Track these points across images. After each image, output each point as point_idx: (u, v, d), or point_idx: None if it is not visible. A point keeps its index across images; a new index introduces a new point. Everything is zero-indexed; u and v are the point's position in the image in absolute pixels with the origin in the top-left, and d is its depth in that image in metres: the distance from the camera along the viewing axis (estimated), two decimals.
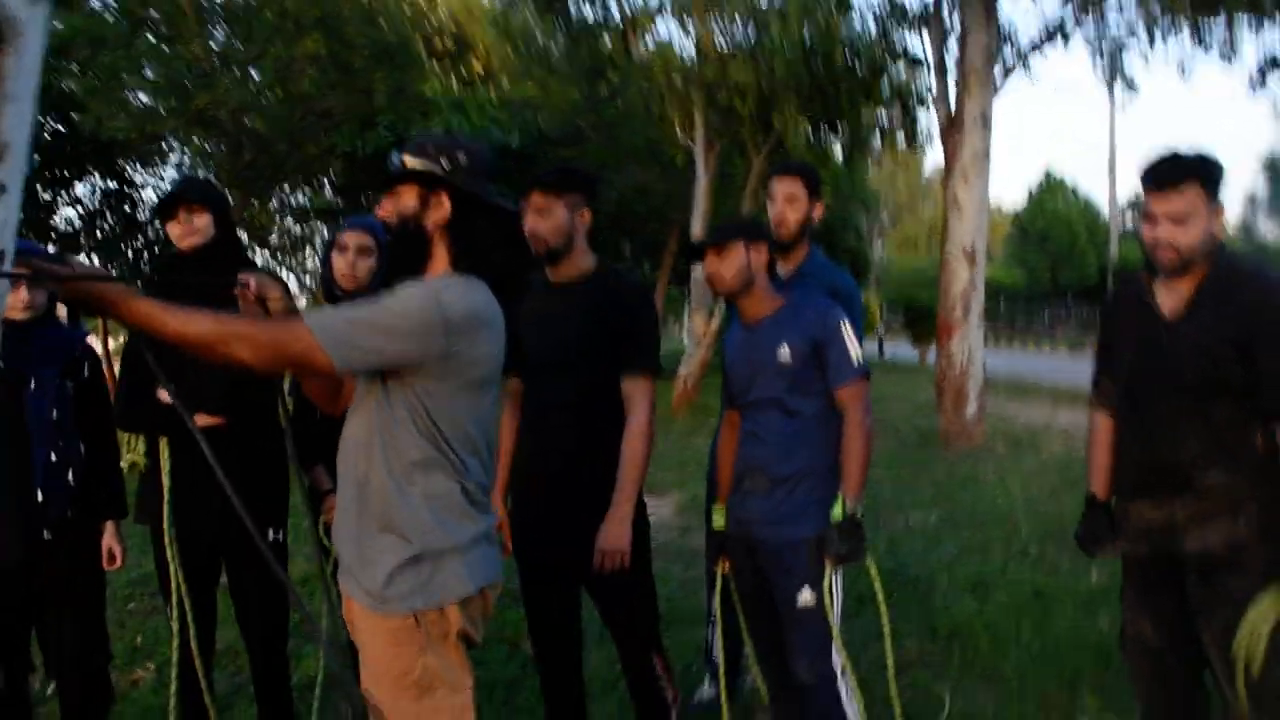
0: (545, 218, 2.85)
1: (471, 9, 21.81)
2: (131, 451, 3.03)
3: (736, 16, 12.46)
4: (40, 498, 2.90)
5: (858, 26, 12.13)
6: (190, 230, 3.00)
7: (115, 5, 13.13)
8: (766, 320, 2.84)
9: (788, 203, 3.34)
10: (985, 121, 9.66)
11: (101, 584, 3.16)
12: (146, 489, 3.10)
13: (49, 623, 3.05)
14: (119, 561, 3.13)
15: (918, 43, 12.39)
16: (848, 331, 2.76)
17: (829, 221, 30.48)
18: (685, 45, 13.71)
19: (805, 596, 2.69)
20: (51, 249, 18.96)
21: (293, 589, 1.76)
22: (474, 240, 2.12)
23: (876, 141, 14.77)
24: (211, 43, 13.11)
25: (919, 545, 6.01)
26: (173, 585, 3.04)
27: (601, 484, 2.81)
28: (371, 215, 3.41)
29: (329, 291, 3.46)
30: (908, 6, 11.97)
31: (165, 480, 2.97)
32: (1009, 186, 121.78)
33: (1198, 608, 2.51)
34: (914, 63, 11.71)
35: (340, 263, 3.31)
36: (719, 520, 2.99)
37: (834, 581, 2.70)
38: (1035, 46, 10.89)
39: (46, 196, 18.09)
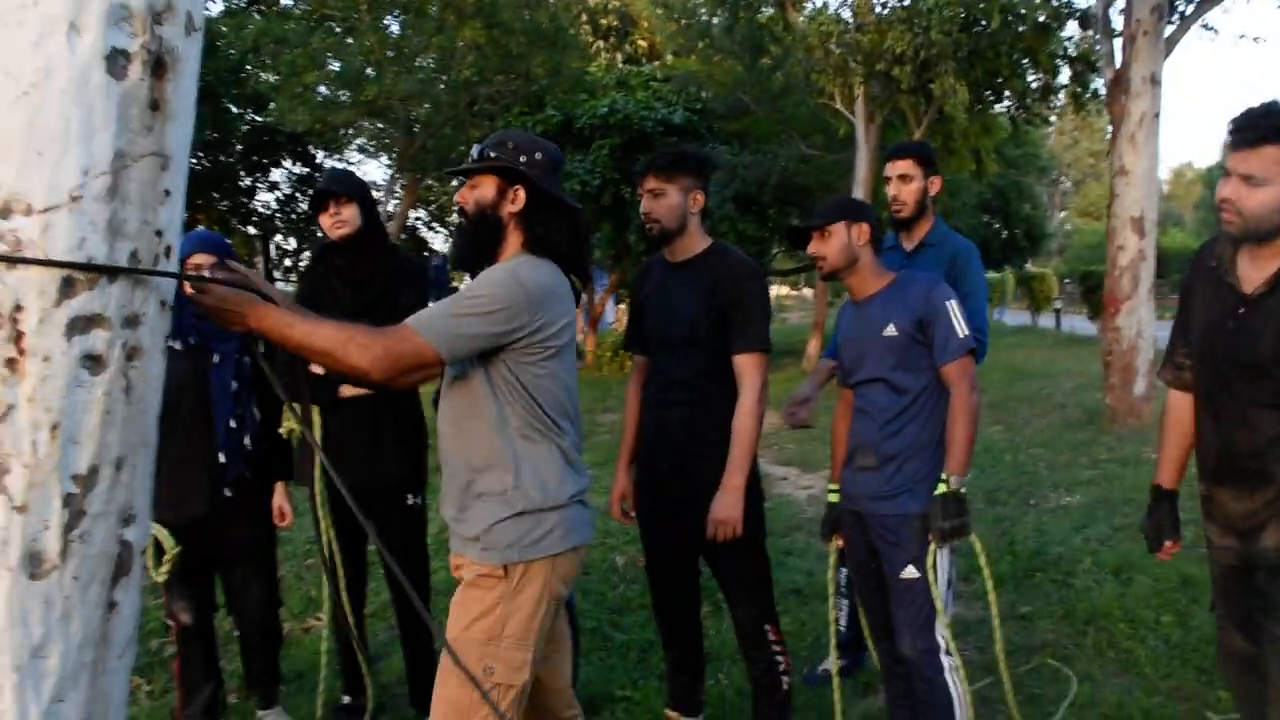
0: (659, 200, 2.99)
1: None
2: (289, 419, 3.35)
3: None
4: (222, 459, 3.25)
5: None
6: (339, 221, 3.28)
7: (302, 4, 14.07)
8: (875, 298, 2.88)
9: (902, 182, 3.45)
10: (1154, 82, 9.08)
11: (273, 538, 3.50)
12: (302, 454, 3.42)
13: (230, 570, 3.41)
14: (288, 519, 3.45)
15: (1082, 0, 11.52)
16: (954, 308, 2.77)
17: (1002, 189, 29.36)
18: (843, 14, 13.47)
19: (910, 571, 2.74)
20: (252, 231, 20.56)
21: (387, 556, 1.99)
22: (545, 231, 2.27)
23: (1045, 106, 14.06)
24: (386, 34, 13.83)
25: (1067, 526, 5.82)
26: (324, 542, 3.36)
27: (720, 457, 2.92)
28: None
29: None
30: None
31: (318, 445, 3.27)
32: (1203, 145, 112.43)
33: (1263, 605, 2.34)
34: (1083, 22, 11.03)
35: None
36: (833, 496, 3.05)
37: (939, 557, 2.74)
38: None
39: (247, 182, 19.56)
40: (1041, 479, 7.33)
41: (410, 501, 3.41)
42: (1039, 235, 34.05)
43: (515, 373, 2.18)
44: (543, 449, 2.22)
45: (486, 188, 2.28)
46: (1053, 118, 17.12)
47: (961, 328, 2.76)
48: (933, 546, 2.71)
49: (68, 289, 1.51)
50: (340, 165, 19.76)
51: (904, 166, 3.47)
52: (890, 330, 2.79)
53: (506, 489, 2.19)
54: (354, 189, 3.32)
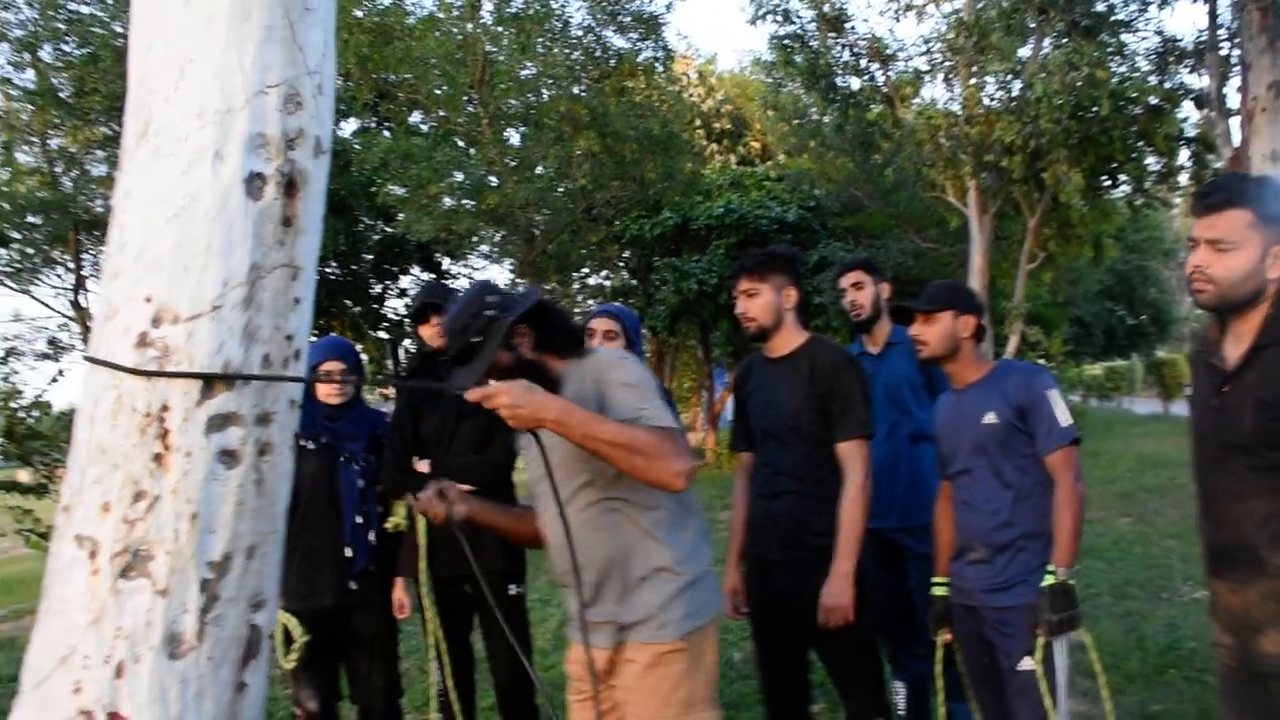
0: (754, 299, 3.08)
1: (746, 89, 22.64)
2: (395, 515, 3.50)
3: (1000, 74, 12.14)
4: (348, 554, 3.41)
5: (1127, 70, 11.42)
6: (439, 332, 3.47)
7: (429, 120, 14.91)
8: (974, 386, 2.87)
9: (857, 289, 3.83)
10: (1276, 159, 8.79)
11: (394, 629, 3.62)
12: (405, 547, 3.53)
13: (354, 660, 3.53)
14: (406, 611, 3.56)
15: (1196, 81, 11.19)
16: (1055, 397, 2.73)
17: (1125, 275, 28.39)
18: (951, 107, 13.51)
19: (1027, 663, 2.66)
20: (382, 335, 21.43)
21: (515, 642, 2.04)
22: (556, 330, 2.36)
23: (1163, 188, 13.67)
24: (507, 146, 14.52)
25: (1201, 621, 5.46)
26: (429, 630, 3.46)
27: (827, 546, 2.92)
28: (620, 304, 3.72)
29: None
30: (1183, 44, 11.13)
31: (422, 539, 3.38)
32: None
33: None
34: (1198, 102, 10.77)
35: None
36: (939, 590, 2.99)
37: (1055, 651, 2.65)
38: None
39: (377, 289, 20.50)
40: (1174, 571, 6.94)
41: (513, 591, 3.49)
42: (1167, 320, 32.75)
43: None
44: (688, 520, 2.32)
45: (501, 354, 2.28)
46: (1175, 199, 16.60)
47: (1064, 416, 2.72)
48: (1041, 639, 2.62)
49: (208, 390, 1.66)
50: (463, 272, 20.64)
51: (855, 276, 3.84)
52: (990, 418, 2.77)
53: (670, 566, 2.25)
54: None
